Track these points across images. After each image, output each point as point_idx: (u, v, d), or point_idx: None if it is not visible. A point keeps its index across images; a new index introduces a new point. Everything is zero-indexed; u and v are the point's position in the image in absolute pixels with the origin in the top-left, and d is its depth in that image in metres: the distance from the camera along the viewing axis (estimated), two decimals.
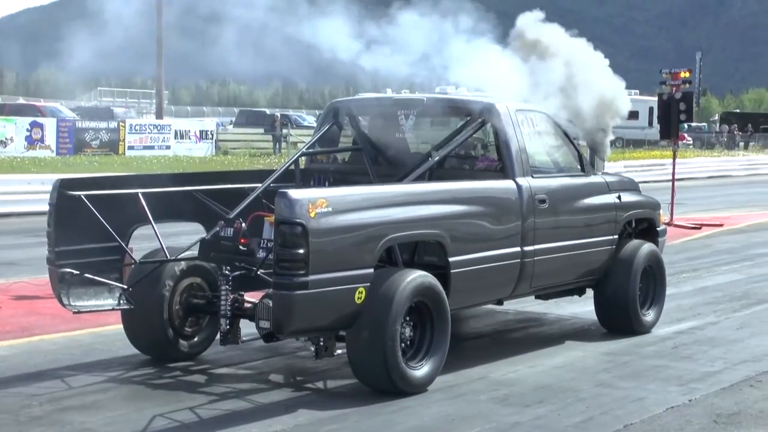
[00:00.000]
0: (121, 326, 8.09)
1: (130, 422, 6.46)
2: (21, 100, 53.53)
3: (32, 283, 10.91)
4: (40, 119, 36.99)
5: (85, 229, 7.41)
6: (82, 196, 7.35)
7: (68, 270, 7.33)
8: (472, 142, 8.94)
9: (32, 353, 8.23)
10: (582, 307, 10.22)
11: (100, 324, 9.08)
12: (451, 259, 7.53)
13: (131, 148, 37.83)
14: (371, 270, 6.94)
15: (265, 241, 7.43)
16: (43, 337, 8.81)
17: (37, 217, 18.06)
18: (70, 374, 7.60)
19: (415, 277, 7.13)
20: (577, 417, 6.75)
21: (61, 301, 7.42)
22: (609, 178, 9.56)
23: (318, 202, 6.61)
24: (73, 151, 35.83)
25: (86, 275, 7.40)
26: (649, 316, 9.55)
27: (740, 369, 8.17)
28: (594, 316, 9.57)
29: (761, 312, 10.75)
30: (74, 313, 7.58)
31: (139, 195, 7.63)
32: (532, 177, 8.38)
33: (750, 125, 73.01)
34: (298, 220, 6.50)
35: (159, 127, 40.09)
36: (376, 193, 7.34)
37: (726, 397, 7.31)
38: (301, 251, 6.49)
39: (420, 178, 8.18)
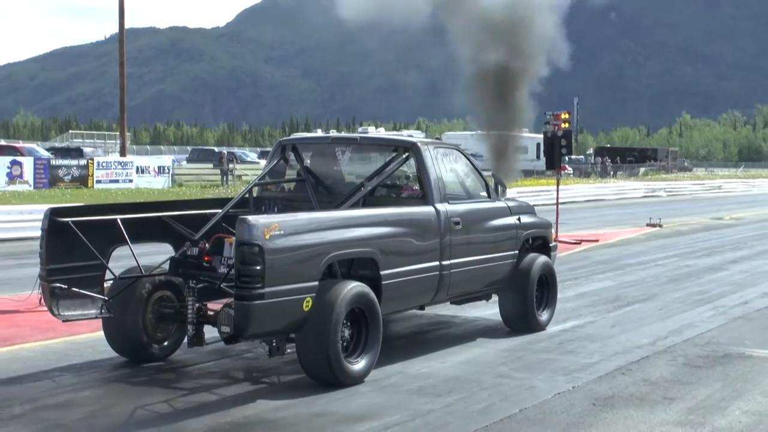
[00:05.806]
0: (90, 335, 8.03)
1: (99, 417, 6.37)
2: (2, 142, 52.31)
3: (12, 300, 10.64)
4: (18, 158, 36.07)
5: (72, 250, 7.35)
6: (70, 222, 7.31)
7: (58, 285, 7.26)
8: (397, 174, 9.07)
9: (12, 360, 8.03)
10: (484, 311, 10.36)
11: (72, 333, 8.93)
12: (382, 272, 7.61)
13: (99, 181, 37.19)
14: (316, 282, 6.99)
15: (226, 259, 7.44)
16: (23, 345, 8.61)
17: (17, 243, 17.66)
18: (46, 378, 7.44)
19: (353, 287, 7.21)
20: (481, 404, 6.81)
21: (51, 311, 7.33)
22: (510, 203, 9.74)
23: (272, 226, 6.66)
24: (48, 185, 35.05)
25: (73, 289, 7.34)
26: (543, 316, 9.76)
27: (614, 360, 8.34)
28: (494, 318, 9.70)
29: (630, 312, 11.00)
30: (63, 321, 7.50)
31: (118, 220, 7.61)
32: (448, 203, 8.52)
33: (618, 158, 74.70)
34: (255, 242, 6.54)
35: (123, 164, 39.45)
36: (320, 218, 7.41)
37: (603, 384, 7.45)
38: (258, 267, 6.53)
39: (355, 205, 8.27)
